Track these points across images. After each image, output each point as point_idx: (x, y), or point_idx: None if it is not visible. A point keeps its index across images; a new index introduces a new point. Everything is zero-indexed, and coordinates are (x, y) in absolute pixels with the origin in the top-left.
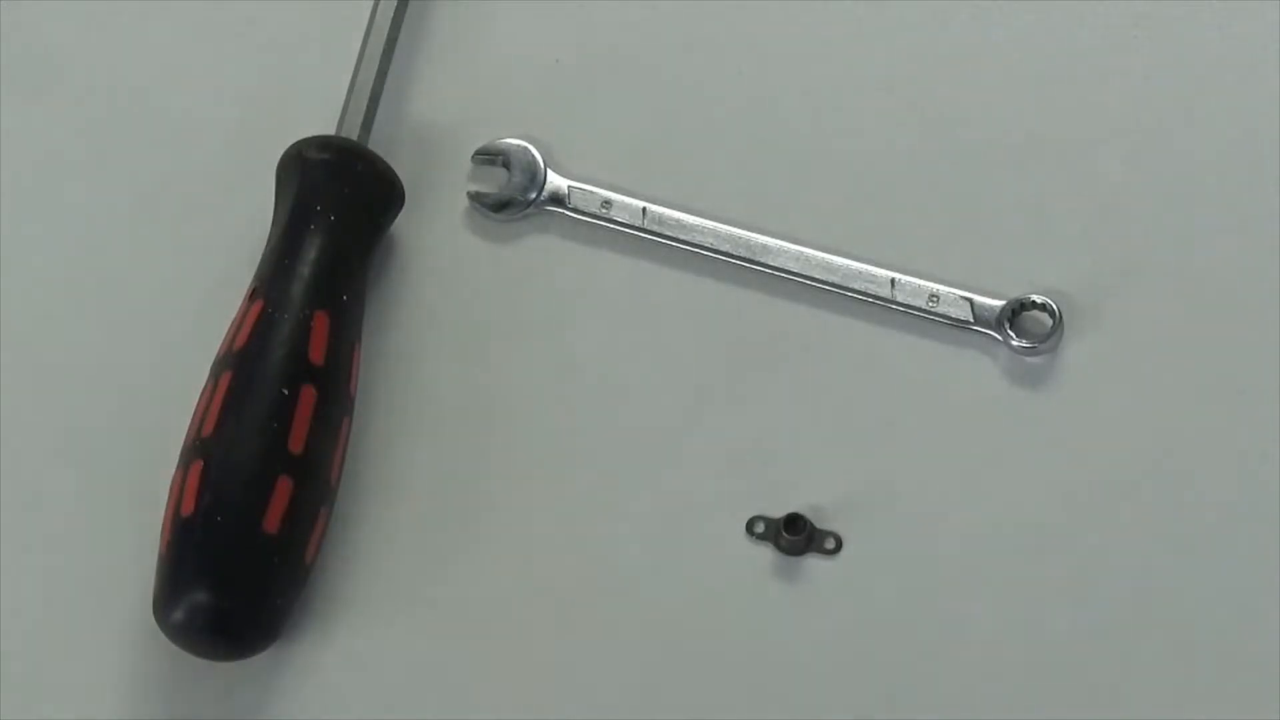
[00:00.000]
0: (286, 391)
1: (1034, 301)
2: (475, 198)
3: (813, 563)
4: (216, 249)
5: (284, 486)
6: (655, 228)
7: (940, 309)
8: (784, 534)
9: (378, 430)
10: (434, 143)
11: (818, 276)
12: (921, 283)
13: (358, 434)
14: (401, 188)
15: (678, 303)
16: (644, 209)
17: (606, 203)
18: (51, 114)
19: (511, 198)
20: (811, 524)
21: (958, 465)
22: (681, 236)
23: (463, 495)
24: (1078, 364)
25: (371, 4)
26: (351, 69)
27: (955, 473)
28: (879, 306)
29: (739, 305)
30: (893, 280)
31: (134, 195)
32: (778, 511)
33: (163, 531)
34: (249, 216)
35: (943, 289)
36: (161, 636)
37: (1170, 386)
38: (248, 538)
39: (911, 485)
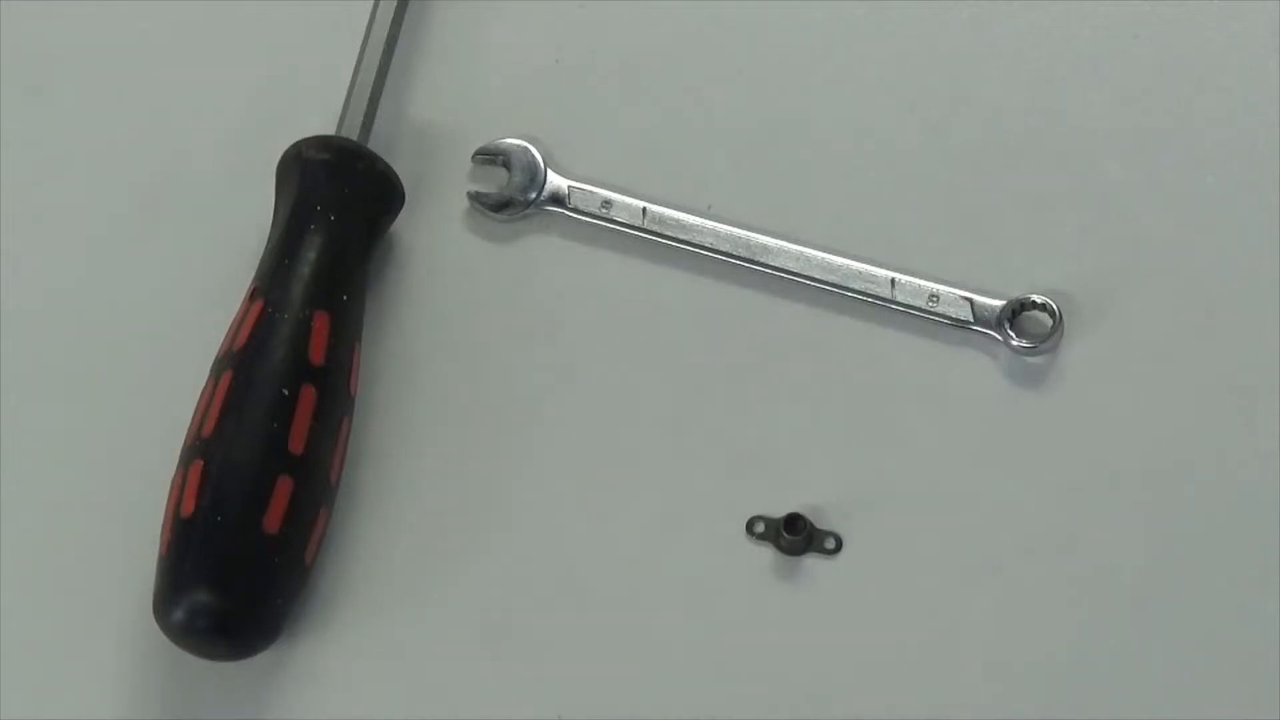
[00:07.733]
0: (286, 391)
1: (1034, 301)
2: (475, 198)
3: (813, 563)
4: (216, 249)
5: (284, 486)
6: (655, 228)
7: (940, 309)
8: (784, 534)
9: (378, 430)
10: (434, 143)
11: (818, 276)
12: (921, 283)
13: (358, 434)
14: (401, 188)
15: (678, 303)
16: (644, 209)
17: (606, 203)
18: (51, 114)
19: (511, 198)
20: (811, 524)
21: (958, 465)
22: (681, 236)
23: (462, 495)
24: (1078, 364)
25: (371, 4)
26: (351, 69)
27: (955, 473)
28: (879, 306)
29: (739, 305)
30: (893, 280)
31: (134, 195)
32: (778, 511)
33: (163, 531)
34: (249, 216)
35: (943, 289)
36: (161, 636)
37: (1170, 386)
38: (248, 538)
39: (911, 485)
